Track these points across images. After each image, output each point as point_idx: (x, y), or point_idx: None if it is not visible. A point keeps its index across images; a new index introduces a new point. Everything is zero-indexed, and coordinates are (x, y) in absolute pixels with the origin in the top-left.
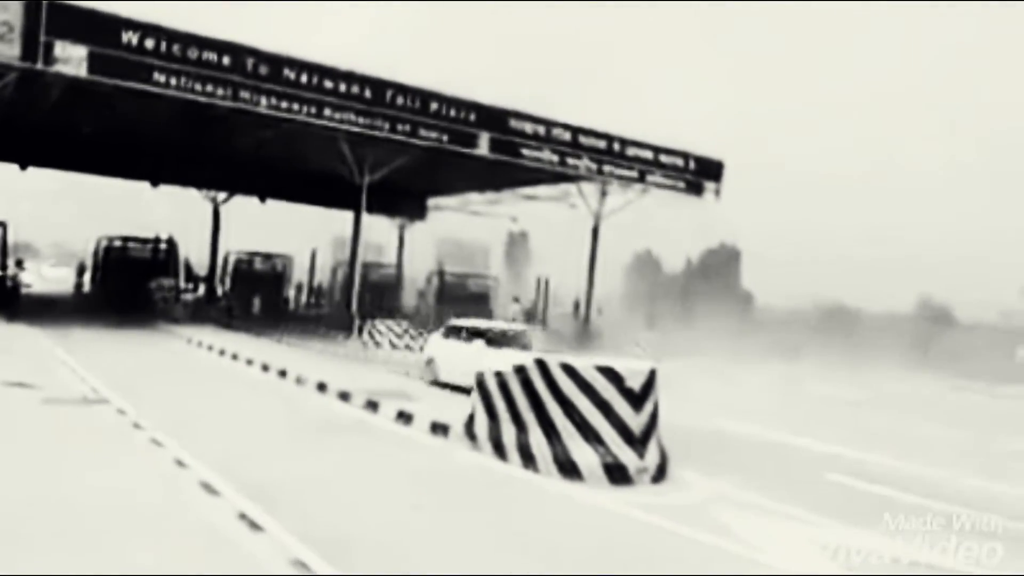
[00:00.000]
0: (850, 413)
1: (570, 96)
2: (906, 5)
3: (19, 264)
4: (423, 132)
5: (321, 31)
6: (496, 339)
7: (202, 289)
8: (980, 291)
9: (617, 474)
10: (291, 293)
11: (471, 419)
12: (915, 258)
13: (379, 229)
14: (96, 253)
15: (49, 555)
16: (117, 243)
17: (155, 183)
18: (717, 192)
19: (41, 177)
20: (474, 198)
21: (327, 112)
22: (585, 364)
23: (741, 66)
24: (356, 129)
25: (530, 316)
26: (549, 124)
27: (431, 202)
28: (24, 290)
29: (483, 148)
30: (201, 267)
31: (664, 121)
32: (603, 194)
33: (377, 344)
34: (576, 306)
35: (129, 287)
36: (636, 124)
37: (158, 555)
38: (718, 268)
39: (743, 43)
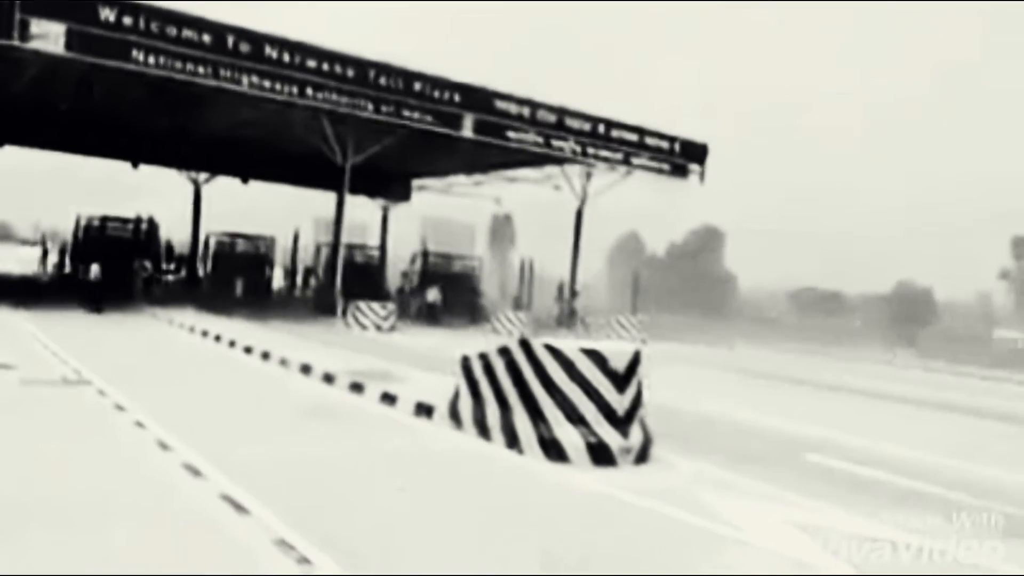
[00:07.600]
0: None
1: (580, 91)
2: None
3: None
4: (407, 113)
5: (343, 21)
6: None
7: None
8: (960, 271)
9: (601, 454)
10: (273, 274)
11: (455, 400)
12: (898, 239)
13: (362, 206)
14: (75, 232)
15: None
16: (96, 222)
17: (135, 163)
18: (701, 175)
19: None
20: (459, 180)
21: (309, 92)
22: (570, 346)
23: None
24: (339, 109)
25: (517, 303)
26: (534, 105)
27: (415, 183)
28: None
29: (468, 130)
30: (183, 248)
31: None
32: (588, 176)
33: (362, 326)
34: (560, 289)
35: (109, 267)
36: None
37: (141, 534)
38: (702, 250)
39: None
